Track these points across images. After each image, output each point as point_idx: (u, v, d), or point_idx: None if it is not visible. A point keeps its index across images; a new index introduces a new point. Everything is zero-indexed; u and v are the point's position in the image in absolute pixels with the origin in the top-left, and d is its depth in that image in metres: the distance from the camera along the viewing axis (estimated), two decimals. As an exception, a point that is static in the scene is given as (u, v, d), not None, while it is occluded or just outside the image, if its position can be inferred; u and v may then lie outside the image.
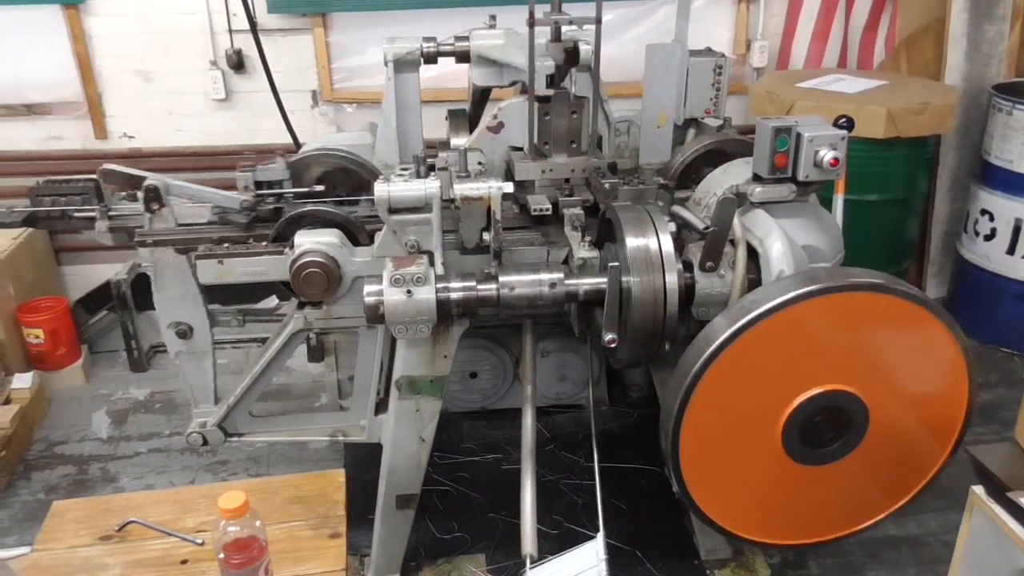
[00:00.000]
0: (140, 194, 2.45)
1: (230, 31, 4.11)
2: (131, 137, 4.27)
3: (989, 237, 3.87)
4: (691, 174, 2.72)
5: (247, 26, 4.06)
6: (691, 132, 2.90)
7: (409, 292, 2.04)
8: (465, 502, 2.98)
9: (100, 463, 3.31)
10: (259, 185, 2.59)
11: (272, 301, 3.55)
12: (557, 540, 2.75)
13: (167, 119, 4.24)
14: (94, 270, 4.20)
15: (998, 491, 1.95)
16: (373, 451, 2.62)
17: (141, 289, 3.90)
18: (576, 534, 2.81)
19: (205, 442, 2.54)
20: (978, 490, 2.01)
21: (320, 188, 2.63)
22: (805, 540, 2.14)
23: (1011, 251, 3.81)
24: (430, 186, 2.12)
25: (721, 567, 2.70)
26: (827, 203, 2.40)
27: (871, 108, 3.43)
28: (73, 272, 4.29)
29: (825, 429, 1.96)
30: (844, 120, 2.19)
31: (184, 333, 2.55)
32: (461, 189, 2.13)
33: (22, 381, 3.51)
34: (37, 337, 3.74)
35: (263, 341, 4.08)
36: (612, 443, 3.25)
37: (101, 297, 4.13)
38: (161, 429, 3.51)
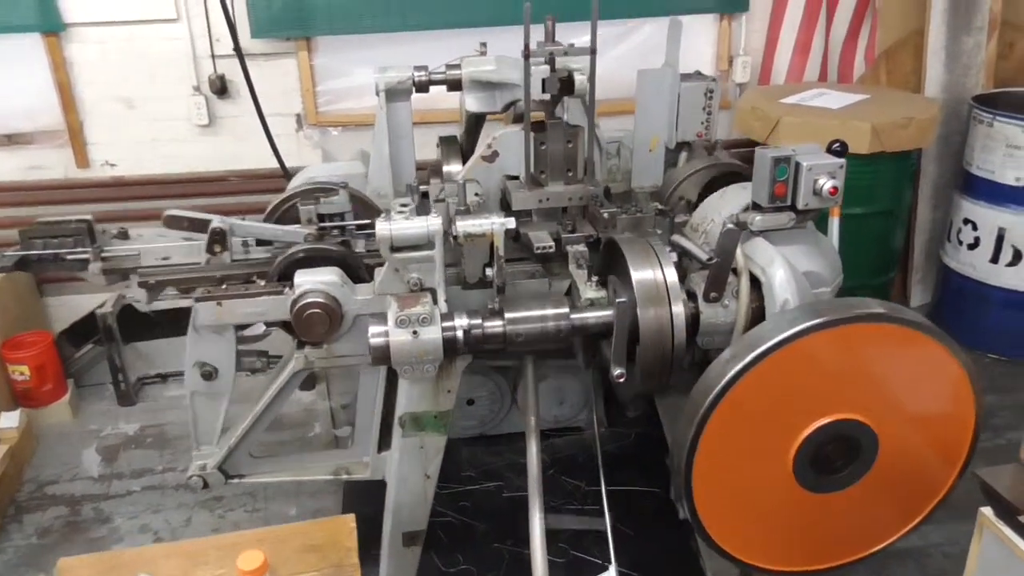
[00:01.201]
0: (205, 236, 2.49)
1: (213, 56, 4.07)
2: (113, 165, 4.20)
3: (973, 246, 3.93)
4: (685, 197, 2.74)
5: (230, 51, 4.04)
6: (683, 155, 2.92)
7: (415, 333, 2.03)
8: (469, 533, 2.96)
9: (93, 503, 3.25)
10: (321, 218, 2.60)
11: (259, 328, 3.53)
12: (564, 569, 2.74)
13: (150, 146, 4.18)
14: (77, 301, 4.13)
15: (1007, 513, 1.96)
16: (371, 483, 2.59)
17: (127, 321, 3.86)
18: (583, 562, 2.81)
19: (206, 485, 2.50)
20: (987, 511, 2.02)
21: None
22: (818, 566, 2.15)
23: (995, 259, 3.87)
24: (432, 223, 2.11)
25: (728, 590, 2.70)
26: (820, 222, 2.42)
27: (856, 124, 3.47)
28: (56, 303, 4.22)
29: (835, 457, 1.97)
30: (838, 145, 2.20)
31: (209, 375, 2.45)
32: (464, 226, 2.12)
33: (9, 420, 3.44)
34: (22, 374, 3.67)
35: (252, 371, 4.08)
36: (612, 465, 3.22)
37: (86, 329, 4.05)
38: (154, 465, 3.45)
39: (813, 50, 4.21)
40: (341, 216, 2.60)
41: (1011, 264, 3.82)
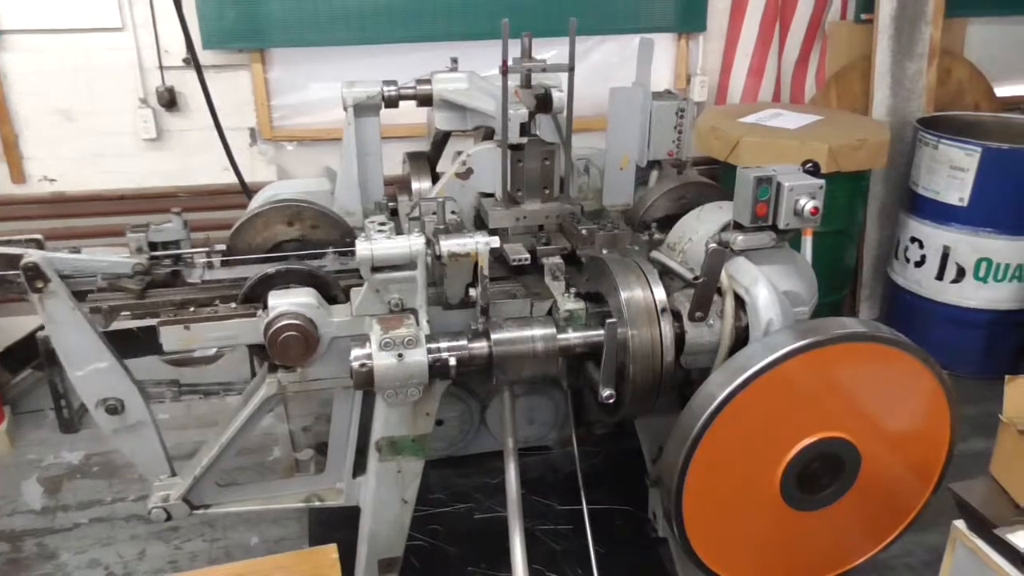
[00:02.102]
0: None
1: (161, 67, 3.93)
2: (52, 180, 4.02)
3: (919, 263, 4.07)
4: (657, 216, 2.75)
5: (179, 62, 3.92)
6: (654, 174, 2.93)
7: (400, 356, 1.97)
8: (441, 557, 2.88)
9: (35, 538, 3.05)
10: (153, 247, 2.41)
11: (210, 350, 3.40)
12: (540, 592, 2.70)
13: (93, 161, 4.01)
14: (12, 322, 3.91)
15: (980, 526, 2.02)
16: (338, 508, 2.50)
17: (71, 343, 3.68)
18: (559, 584, 2.78)
19: (169, 517, 2.37)
20: (960, 524, 2.07)
21: (221, 247, 2.50)
22: (797, 584, 2.17)
23: (940, 276, 4.00)
24: (415, 243, 2.06)
25: (704, 608, 2.70)
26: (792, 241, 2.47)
27: (813, 144, 3.56)
28: (-12, 325, 3.99)
29: (821, 475, 2.00)
30: (811, 165, 2.24)
31: (114, 408, 2.29)
32: (448, 245, 2.07)
33: (-59, 451, 3.23)
34: (-45, 402, 3.45)
35: (205, 394, 3.93)
36: (583, 483, 3.22)
37: (23, 353, 3.85)
38: (102, 496, 3.27)
39: (767, 71, 4.33)
40: (177, 244, 2.44)
41: (955, 281, 3.96)
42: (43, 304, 2.19)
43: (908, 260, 4.12)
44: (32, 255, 2.15)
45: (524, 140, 2.49)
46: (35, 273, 2.14)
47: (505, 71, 2.37)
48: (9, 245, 2.32)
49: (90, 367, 2.26)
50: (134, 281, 2.33)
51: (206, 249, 2.48)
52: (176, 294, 2.34)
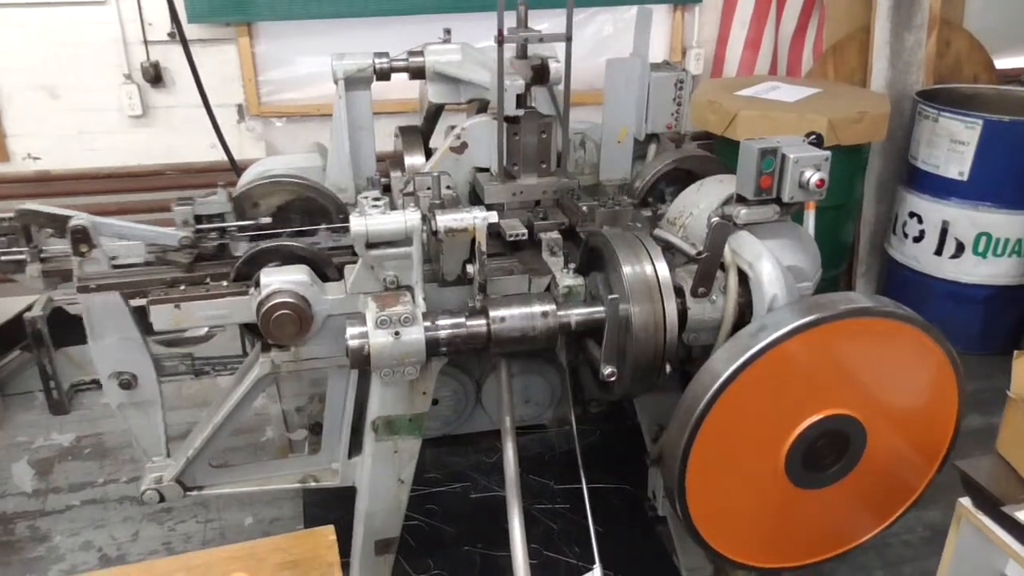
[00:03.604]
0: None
1: (145, 42, 3.84)
2: (36, 159, 3.93)
3: (918, 239, 4.03)
4: (654, 191, 2.70)
5: (164, 36, 3.83)
6: (652, 147, 2.88)
7: (397, 334, 1.92)
8: (438, 536, 2.86)
9: (27, 520, 3.01)
10: (199, 219, 2.38)
11: (202, 330, 3.34)
12: (538, 570, 2.66)
13: (77, 138, 3.92)
14: (-3, 303, 3.85)
15: (987, 504, 1.99)
16: (332, 488, 2.46)
17: (58, 324, 3.61)
18: (558, 563, 2.76)
19: (162, 499, 2.33)
20: (965, 502, 2.05)
21: (267, 220, 2.46)
22: (795, 563, 2.14)
23: (939, 252, 3.98)
24: (411, 218, 2.00)
25: (703, 585, 2.69)
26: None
27: (812, 117, 3.50)
28: (-27, 307, 3.92)
29: (826, 453, 1.96)
30: (814, 137, 2.18)
31: (128, 383, 2.29)
32: (444, 221, 2.02)
33: (-72, 434, 3.17)
34: (-58, 384, 3.39)
35: (197, 374, 3.87)
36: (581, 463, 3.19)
37: (11, 334, 3.78)
38: (94, 477, 3.23)
39: (764, 43, 4.26)
40: (221, 217, 2.41)
41: (954, 256, 3.93)
42: (82, 268, 2.21)
43: (906, 235, 4.09)
44: (81, 218, 2.19)
45: (520, 112, 2.42)
46: (83, 236, 2.17)
47: (501, 41, 2.30)
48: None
49: (113, 338, 2.22)
50: (182, 254, 2.30)
51: (252, 222, 2.43)
52: (224, 266, 2.28)
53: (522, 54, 2.49)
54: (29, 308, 3.56)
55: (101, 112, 3.91)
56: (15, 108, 3.84)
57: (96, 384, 3.79)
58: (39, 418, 3.59)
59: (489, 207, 2.40)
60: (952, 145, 3.78)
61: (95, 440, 3.44)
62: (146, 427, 2.38)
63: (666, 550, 2.81)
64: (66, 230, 2.18)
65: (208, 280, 2.22)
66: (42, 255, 2.28)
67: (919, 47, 4.25)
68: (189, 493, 2.36)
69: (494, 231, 2.34)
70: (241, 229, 2.42)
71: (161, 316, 2.11)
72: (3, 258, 2.26)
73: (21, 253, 2.26)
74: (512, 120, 2.44)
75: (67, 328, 3.32)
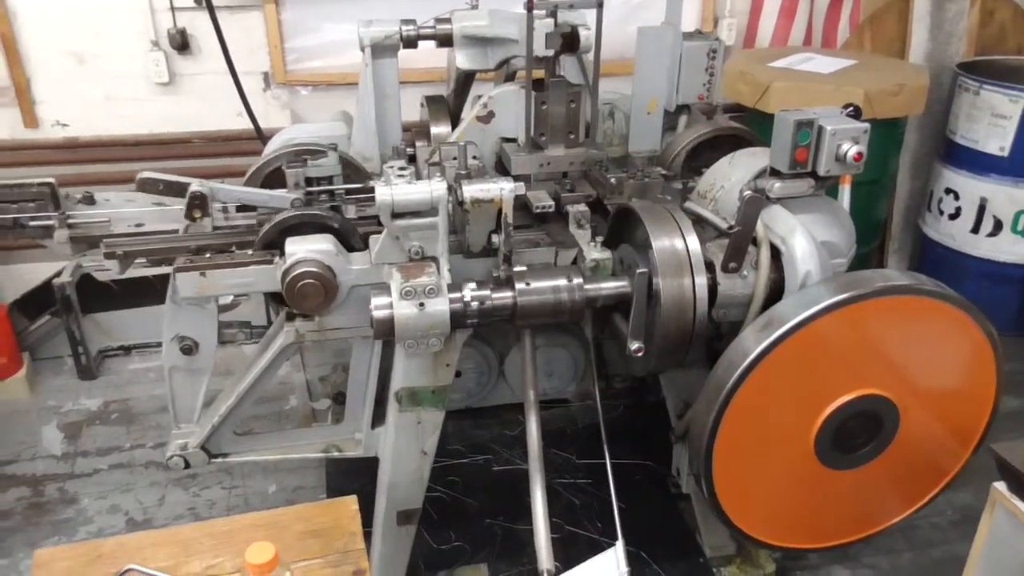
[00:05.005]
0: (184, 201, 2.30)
1: (172, 9, 3.80)
2: (65, 125, 3.93)
3: (954, 216, 3.93)
4: (688, 163, 2.65)
5: (191, 3, 3.80)
6: (682, 119, 2.82)
7: (422, 305, 1.90)
8: (460, 509, 2.87)
9: (56, 483, 3.06)
10: (309, 182, 2.42)
11: (227, 298, 3.35)
12: (560, 545, 2.65)
13: (105, 105, 3.91)
14: (29, 269, 3.88)
15: (1022, 488, 1.94)
16: (355, 458, 2.47)
17: (86, 291, 3.64)
18: (578, 537, 2.75)
19: (187, 465, 2.35)
20: (1000, 487, 2.00)
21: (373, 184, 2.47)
22: (831, 543, 2.12)
23: (975, 230, 3.88)
24: (436, 188, 1.97)
25: (727, 564, 2.67)
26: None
27: (848, 89, 3.41)
28: (5, 272, 3.95)
29: (857, 433, 1.93)
30: (852, 109, 2.11)
31: (189, 349, 2.27)
32: (470, 191, 1.98)
33: (-40, 396, 3.23)
34: (-27, 347, 3.44)
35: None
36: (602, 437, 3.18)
37: (41, 300, 3.82)
38: (121, 442, 3.27)
39: (799, 13, 4.13)
40: (329, 180, 2.43)
41: (991, 234, 3.83)
42: (187, 231, 2.32)
43: (942, 212, 3.99)
44: (200, 185, 2.32)
45: (549, 80, 2.37)
46: (200, 203, 2.30)
47: (531, 8, 2.26)
48: (19, 189, 2.28)
49: (191, 302, 2.21)
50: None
51: (360, 185, 2.47)
52: (249, 234, 2.29)
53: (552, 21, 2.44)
54: (59, 274, 3.59)
55: (128, 79, 3.90)
56: (43, 75, 3.83)
57: (123, 350, 3.84)
58: (68, 382, 3.64)
59: (516, 178, 2.36)
60: (993, 119, 3.66)
61: (122, 406, 3.48)
62: (188, 394, 2.37)
63: (689, 528, 2.79)
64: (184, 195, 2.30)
65: (234, 248, 2.21)
66: (69, 221, 2.28)
67: (961, 16, 4.10)
68: (214, 460, 2.38)
69: (521, 202, 2.31)
70: (349, 192, 2.45)
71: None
72: (32, 223, 2.27)
73: (50, 219, 2.26)
74: (539, 88, 2.40)
75: (95, 295, 3.34)
